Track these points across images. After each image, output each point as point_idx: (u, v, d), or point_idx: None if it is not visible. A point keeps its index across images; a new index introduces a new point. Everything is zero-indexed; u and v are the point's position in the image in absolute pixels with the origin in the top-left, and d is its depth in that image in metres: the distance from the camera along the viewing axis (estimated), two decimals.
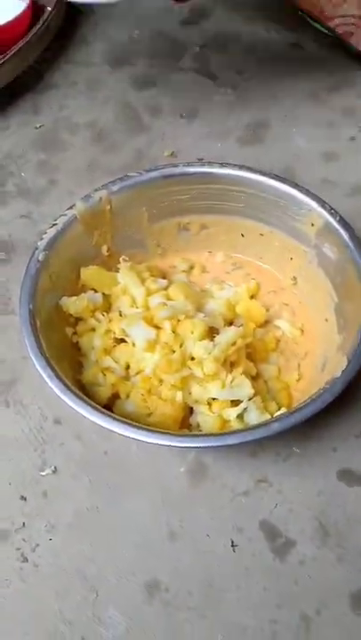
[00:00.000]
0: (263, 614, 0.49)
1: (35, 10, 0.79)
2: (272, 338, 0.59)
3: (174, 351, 0.53)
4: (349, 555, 0.51)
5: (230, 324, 0.58)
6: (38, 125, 0.78)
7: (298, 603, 0.50)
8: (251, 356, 0.57)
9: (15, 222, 0.70)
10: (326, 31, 0.81)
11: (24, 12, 0.77)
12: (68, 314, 0.57)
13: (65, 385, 0.49)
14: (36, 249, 0.55)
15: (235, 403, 0.53)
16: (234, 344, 0.54)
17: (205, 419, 0.53)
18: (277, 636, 0.48)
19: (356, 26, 0.79)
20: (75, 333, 0.57)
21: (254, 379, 0.56)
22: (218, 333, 0.55)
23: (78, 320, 0.58)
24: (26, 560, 0.52)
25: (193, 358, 0.53)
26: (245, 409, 0.52)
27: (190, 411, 0.55)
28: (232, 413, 0.52)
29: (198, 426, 0.54)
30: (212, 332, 0.55)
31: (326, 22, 0.81)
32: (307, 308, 0.61)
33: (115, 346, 0.56)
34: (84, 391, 0.54)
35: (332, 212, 0.56)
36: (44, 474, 0.55)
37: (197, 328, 0.53)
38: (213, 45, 0.74)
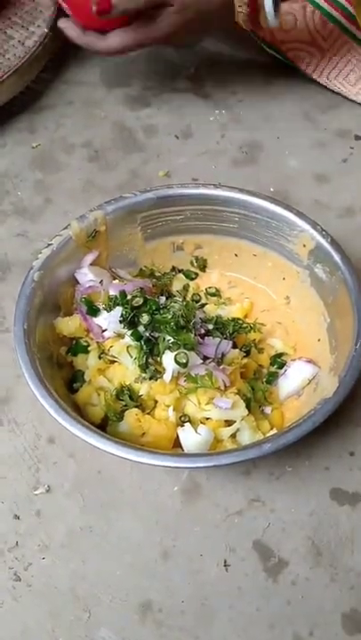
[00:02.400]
0: (256, 635, 0.49)
1: None
2: (265, 356, 0.60)
3: None
4: (342, 575, 0.51)
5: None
6: (35, 145, 0.78)
7: (290, 623, 0.50)
8: (244, 375, 0.57)
9: (11, 240, 0.70)
10: (281, 57, 0.81)
11: None
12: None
13: (58, 404, 0.49)
14: (32, 268, 0.56)
15: (228, 422, 0.53)
16: (230, 364, 0.55)
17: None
18: None
19: (306, 52, 0.80)
20: (69, 352, 0.58)
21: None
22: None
23: (72, 339, 0.58)
24: (19, 579, 0.52)
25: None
26: (238, 429, 0.53)
27: None
28: (225, 433, 0.53)
29: None
30: None
31: (278, 46, 0.81)
32: (300, 327, 0.61)
33: (108, 366, 0.56)
34: (78, 410, 0.54)
35: (324, 233, 0.57)
36: (37, 493, 0.55)
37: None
38: (208, 66, 0.75)
